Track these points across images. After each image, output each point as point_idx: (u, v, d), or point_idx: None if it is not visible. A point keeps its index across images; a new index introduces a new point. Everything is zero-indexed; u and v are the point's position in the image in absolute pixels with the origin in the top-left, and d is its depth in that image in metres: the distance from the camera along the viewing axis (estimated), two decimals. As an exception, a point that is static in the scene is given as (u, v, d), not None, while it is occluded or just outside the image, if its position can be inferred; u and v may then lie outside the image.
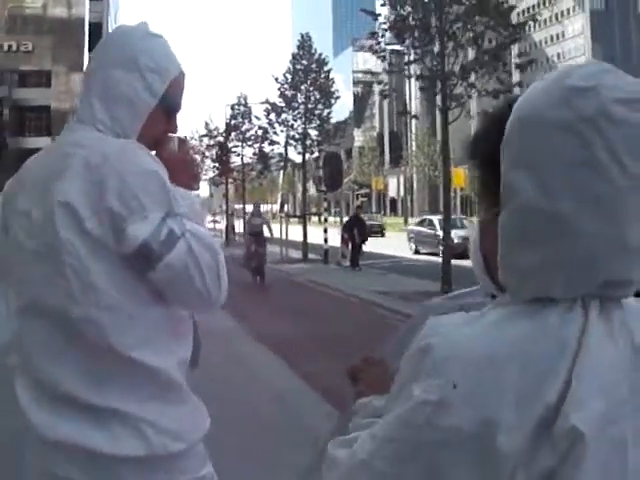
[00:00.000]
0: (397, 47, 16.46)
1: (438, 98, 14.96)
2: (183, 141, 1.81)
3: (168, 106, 1.68)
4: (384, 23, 15.84)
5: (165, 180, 1.54)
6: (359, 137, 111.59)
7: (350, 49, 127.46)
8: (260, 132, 33.36)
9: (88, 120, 1.62)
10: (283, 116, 28.61)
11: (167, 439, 1.52)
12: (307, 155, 27.67)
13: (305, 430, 5.16)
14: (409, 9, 15.26)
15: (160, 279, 1.52)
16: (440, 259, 15.27)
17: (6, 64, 51.56)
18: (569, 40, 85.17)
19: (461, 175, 58.28)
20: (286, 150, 30.71)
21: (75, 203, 1.48)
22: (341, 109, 36.61)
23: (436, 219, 24.98)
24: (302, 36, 29.32)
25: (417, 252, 28.19)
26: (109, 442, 1.48)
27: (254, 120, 35.86)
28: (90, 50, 55.79)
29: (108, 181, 1.47)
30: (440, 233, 18.75)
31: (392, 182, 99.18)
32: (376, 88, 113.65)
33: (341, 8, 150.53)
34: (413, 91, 69.43)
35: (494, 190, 0.88)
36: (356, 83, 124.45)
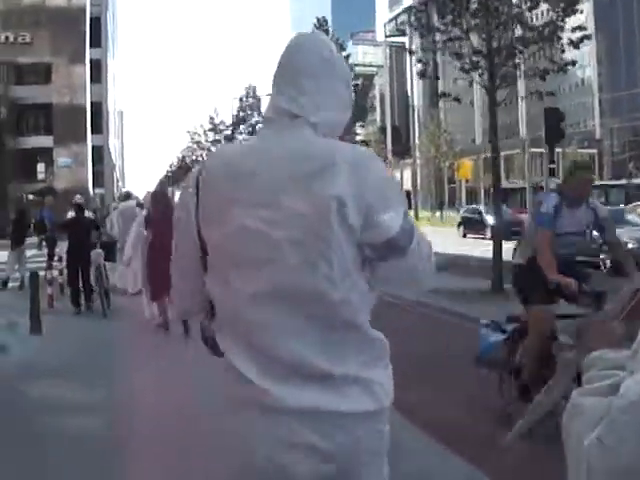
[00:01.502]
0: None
1: (481, 79, 13.67)
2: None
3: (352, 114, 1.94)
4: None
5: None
6: (360, 131, 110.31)
7: (350, 43, 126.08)
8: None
9: (309, 121, 1.77)
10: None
11: (386, 396, 1.79)
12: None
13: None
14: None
15: (398, 265, 1.74)
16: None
17: (3, 57, 49.55)
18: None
19: (467, 167, 56.32)
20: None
21: (345, 198, 1.64)
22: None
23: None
24: (318, 20, 27.84)
25: None
26: (348, 403, 1.69)
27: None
28: (91, 43, 53.76)
29: (367, 180, 1.68)
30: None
31: (396, 176, 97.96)
32: (377, 81, 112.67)
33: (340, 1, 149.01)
34: (416, 83, 68.07)
35: None
36: (356, 76, 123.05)
